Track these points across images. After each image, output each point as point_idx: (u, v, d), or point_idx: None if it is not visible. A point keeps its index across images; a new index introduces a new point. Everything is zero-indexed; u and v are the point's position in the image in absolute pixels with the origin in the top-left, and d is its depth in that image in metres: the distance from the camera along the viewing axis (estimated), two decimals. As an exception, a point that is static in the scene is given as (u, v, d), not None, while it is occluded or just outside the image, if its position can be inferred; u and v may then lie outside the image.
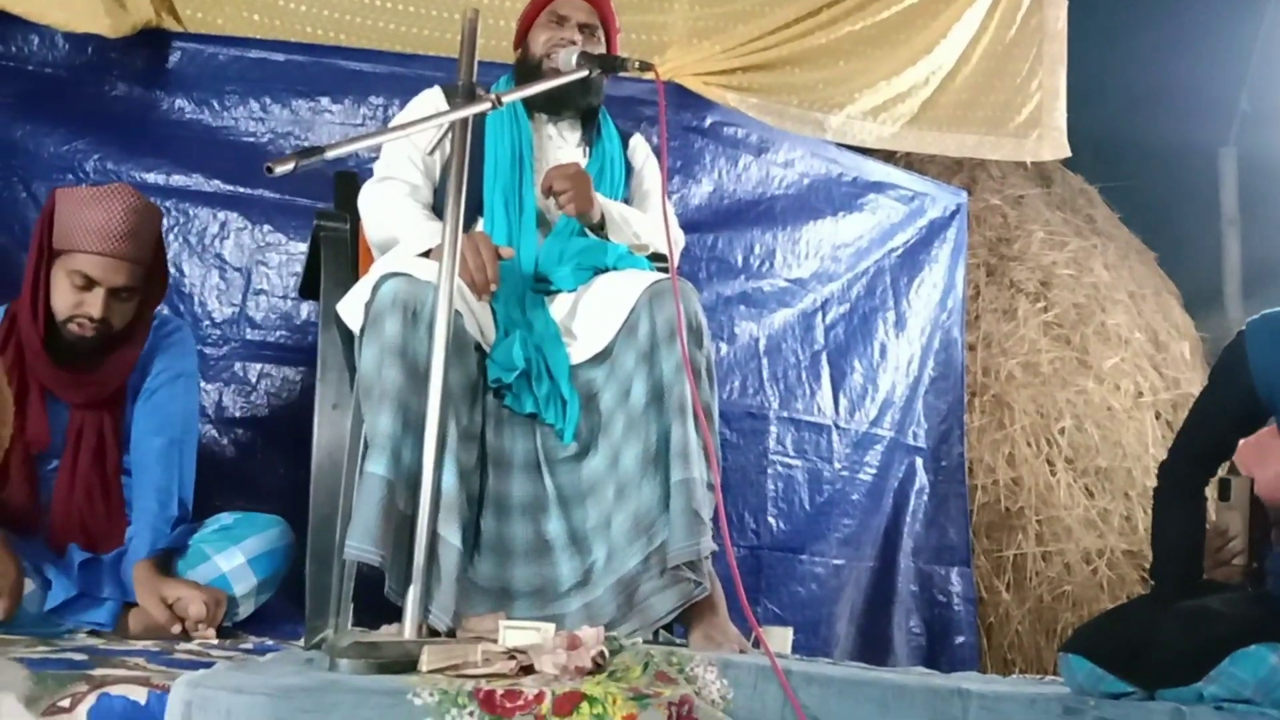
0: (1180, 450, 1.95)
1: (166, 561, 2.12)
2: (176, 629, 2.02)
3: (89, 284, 2.08)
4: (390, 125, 2.66)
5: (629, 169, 2.22)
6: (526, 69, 2.19)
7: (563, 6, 2.19)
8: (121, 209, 2.07)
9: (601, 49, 2.20)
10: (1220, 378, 1.92)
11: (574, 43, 2.13)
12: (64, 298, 2.08)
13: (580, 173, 2.01)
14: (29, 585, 1.97)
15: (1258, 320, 1.88)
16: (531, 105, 2.14)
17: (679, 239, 2.19)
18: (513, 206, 2.03)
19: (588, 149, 2.19)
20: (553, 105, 2.15)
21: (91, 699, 1.26)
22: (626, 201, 2.19)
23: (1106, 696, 1.64)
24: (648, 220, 2.12)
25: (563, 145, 2.18)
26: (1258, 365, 1.83)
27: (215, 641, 2.01)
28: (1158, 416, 3.98)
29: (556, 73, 2.05)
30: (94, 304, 2.08)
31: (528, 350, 1.86)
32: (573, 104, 2.17)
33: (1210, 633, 1.61)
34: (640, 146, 2.29)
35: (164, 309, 2.33)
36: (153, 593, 2.03)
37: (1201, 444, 1.92)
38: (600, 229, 2.04)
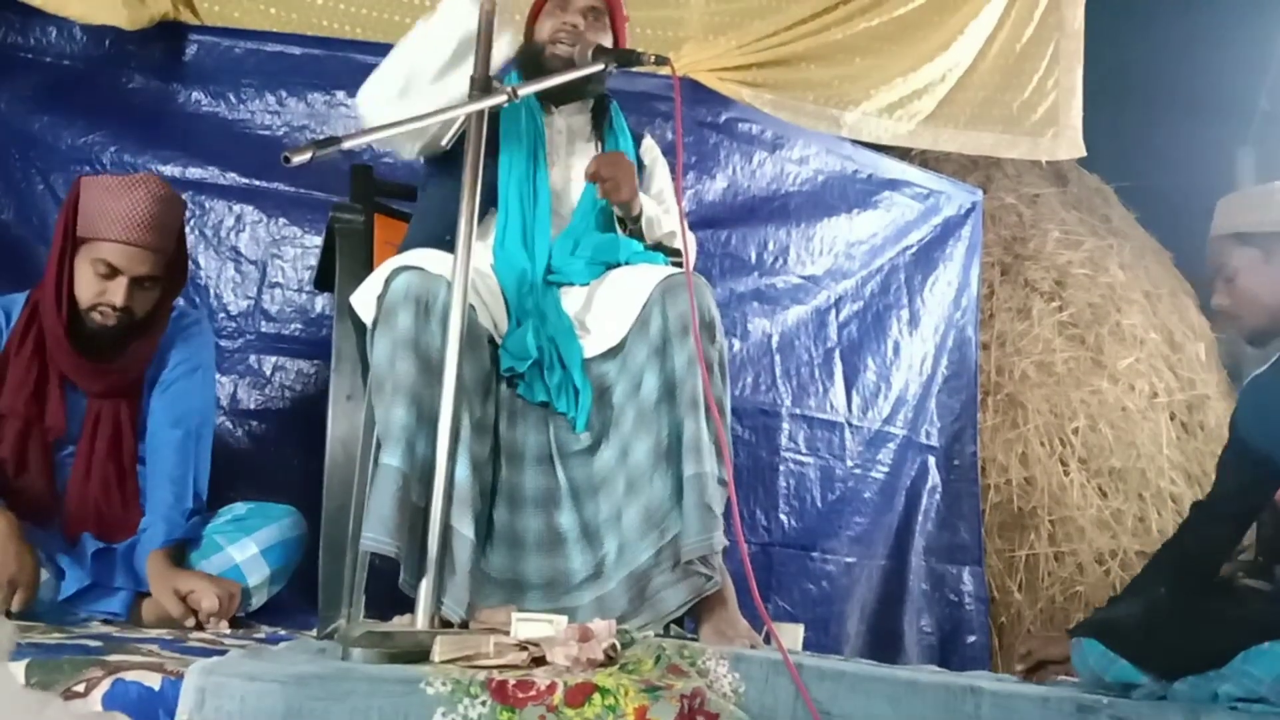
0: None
1: (180, 552, 2.12)
2: (190, 622, 2.03)
3: (112, 272, 2.08)
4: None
5: (640, 166, 2.21)
6: (529, 57, 2.16)
7: None
8: (146, 198, 2.08)
9: (607, 34, 2.17)
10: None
11: (576, 27, 2.11)
12: (87, 286, 2.09)
13: (626, 161, 2.00)
14: (43, 574, 1.98)
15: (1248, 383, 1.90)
16: (540, 96, 2.11)
17: (691, 240, 2.18)
18: (527, 198, 2.03)
19: (599, 144, 2.17)
20: (559, 96, 2.13)
21: (106, 684, 1.26)
22: None
23: (1117, 682, 1.63)
24: (672, 219, 2.11)
25: (574, 138, 2.17)
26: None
27: (228, 631, 2.02)
28: (1172, 417, 3.96)
29: (558, 60, 2.04)
30: (117, 292, 2.08)
31: (540, 340, 1.86)
32: (577, 93, 2.15)
33: (1223, 621, 1.61)
34: (652, 148, 2.27)
35: (181, 300, 2.34)
36: (166, 585, 2.04)
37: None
38: (637, 220, 2.04)
